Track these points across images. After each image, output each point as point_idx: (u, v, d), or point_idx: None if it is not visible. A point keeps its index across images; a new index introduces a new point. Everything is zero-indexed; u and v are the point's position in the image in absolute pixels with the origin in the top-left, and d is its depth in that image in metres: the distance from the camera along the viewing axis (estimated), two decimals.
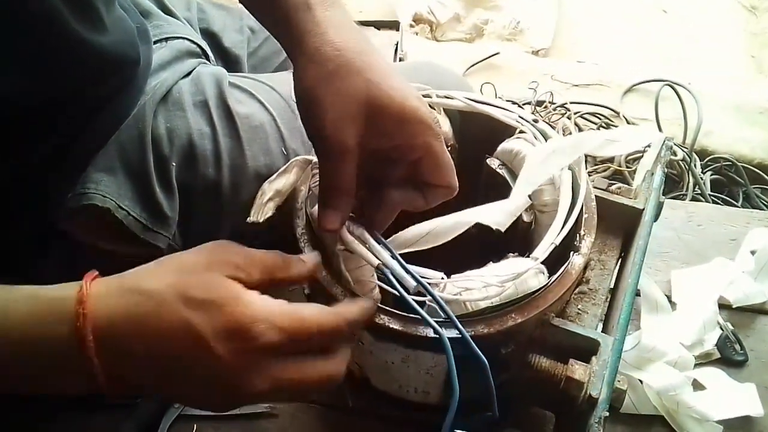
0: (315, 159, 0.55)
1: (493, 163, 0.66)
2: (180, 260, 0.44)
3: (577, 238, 0.57)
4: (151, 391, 0.56)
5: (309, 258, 0.50)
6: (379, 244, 0.52)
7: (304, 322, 0.43)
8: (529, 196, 0.62)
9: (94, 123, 0.63)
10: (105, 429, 0.64)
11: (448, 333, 0.49)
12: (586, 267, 0.59)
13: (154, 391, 0.51)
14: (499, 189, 0.65)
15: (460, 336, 0.48)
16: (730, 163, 1.57)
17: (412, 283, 0.50)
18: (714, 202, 1.47)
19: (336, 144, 0.47)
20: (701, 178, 1.54)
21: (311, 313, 0.44)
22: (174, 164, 0.66)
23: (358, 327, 0.49)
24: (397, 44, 1.55)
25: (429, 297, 0.49)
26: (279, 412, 0.67)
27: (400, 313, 0.51)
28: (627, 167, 1.56)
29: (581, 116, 1.67)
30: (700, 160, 1.59)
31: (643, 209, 0.64)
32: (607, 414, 0.50)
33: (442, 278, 0.53)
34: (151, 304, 0.41)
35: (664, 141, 0.68)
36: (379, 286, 0.54)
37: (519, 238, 0.62)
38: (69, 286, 0.42)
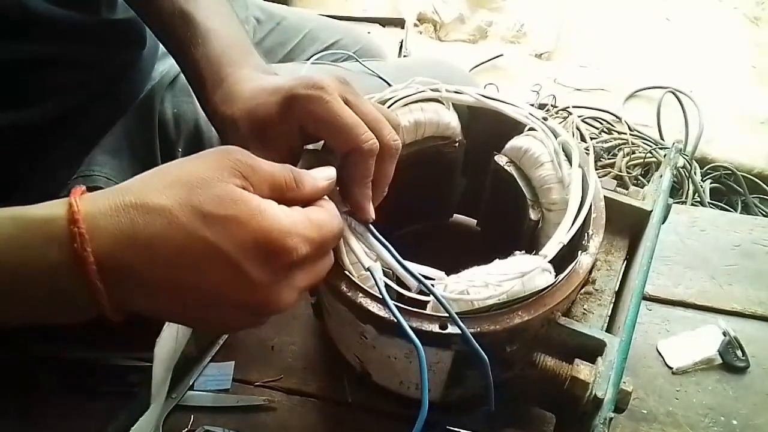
0: (315, 147, 0.54)
1: (501, 160, 0.65)
2: (182, 171, 0.38)
3: (585, 238, 0.56)
4: (165, 318, 0.50)
5: (321, 175, 0.45)
6: (378, 242, 0.51)
7: (322, 230, 0.41)
8: (537, 194, 0.62)
9: (102, 101, 0.62)
10: (101, 417, 0.63)
11: (452, 330, 0.49)
12: (593, 267, 0.59)
13: (169, 318, 0.47)
14: (506, 186, 0.64)
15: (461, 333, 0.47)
16: (729, 171, 1.58)
17: (413, 282, 0.49)
18: None
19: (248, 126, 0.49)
20: (701, 186, 1.54)
21: (322, 218, 0.42)
22: (180, 150, 0.66)
23: None
24: (401, 42, 1.54)
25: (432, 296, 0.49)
26: (277, 405, 0.66)
27: (404, 307, 0.50)
28: (628, 172, 1.56)
29: (583, 120, 1.67)
30: (700, 168, 1.60)
31: (651, 211, 0.63)
32: (613, 415, 0.49)
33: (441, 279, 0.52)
34: (162, 223, 0.36)
35: (674, 144, 0.67)
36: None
37: (526, 236, 0.62)
38: (55, 204, 0.37)
